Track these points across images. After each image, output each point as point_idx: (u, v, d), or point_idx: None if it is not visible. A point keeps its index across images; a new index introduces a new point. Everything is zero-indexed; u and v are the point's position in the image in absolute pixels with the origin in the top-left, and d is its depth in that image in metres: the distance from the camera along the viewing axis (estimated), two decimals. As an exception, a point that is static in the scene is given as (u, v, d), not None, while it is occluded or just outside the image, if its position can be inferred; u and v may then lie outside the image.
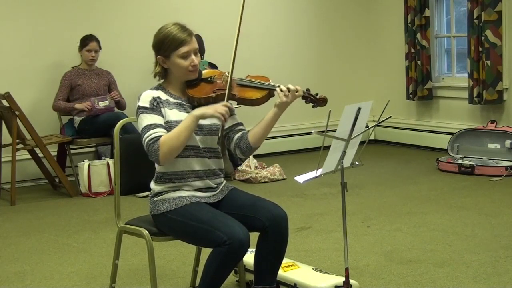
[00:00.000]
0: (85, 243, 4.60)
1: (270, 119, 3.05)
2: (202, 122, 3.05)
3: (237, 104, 3.13)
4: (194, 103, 3.07)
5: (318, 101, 3.06)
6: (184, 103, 3.07)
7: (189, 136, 2.93)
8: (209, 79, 3.10)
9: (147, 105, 2.99)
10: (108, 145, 6.44)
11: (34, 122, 6.05)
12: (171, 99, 3.05)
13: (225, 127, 3.09)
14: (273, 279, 3.07)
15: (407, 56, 7.51)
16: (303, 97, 3.05)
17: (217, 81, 3.09)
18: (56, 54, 6.66)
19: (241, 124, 3.15)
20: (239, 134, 3.10)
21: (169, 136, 2.90)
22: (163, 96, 3.04)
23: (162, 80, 3.12)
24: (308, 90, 3.07)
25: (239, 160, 6.46)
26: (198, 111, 2.93)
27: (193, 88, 3.07)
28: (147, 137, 2.92)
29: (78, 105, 6.24)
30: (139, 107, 2.99)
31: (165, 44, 2.99)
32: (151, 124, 2.94)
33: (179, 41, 2.98)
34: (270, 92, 3.07)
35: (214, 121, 3.07)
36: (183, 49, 2.99)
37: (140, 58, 6.87)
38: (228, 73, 3.08)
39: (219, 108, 2.92)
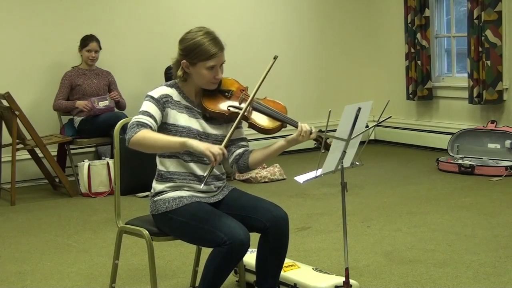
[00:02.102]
0: (85, 243, 4.60)
1: (275, 150, 3.04)
2: (210, 131, 3.03)
3: (248, 127, 3.08)
4: (206, 114, 3.03)
5: (327, 147, 2.93)
6: (195, 109, 3.04)
7: (165, 151, 2.96)
8: (226, 93, 3.05)
9: (156, 96, 2.98)
10: (108, 145, 6.44)
11: (34, 122, 6.05)
12: (183, 102, 3.03)
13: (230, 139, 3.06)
14: (275, 281, 3.07)
15: (407, 56, 7.51)
16: (315, 140, 3.01)
17: (234, 98, 3.04)
18: (56, 54, 6.66)
19: (245, 139, 3.14)
20: (240, 150, 3.09)
21: (151, 135, 2.87)
22: (176, 96, 3.03)
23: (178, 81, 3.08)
24: (321, 131, 2.99)
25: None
26: (192, 141, 2.83)
27: (208, 99, 3.02)
28: (137, 118, 2.92)
29: (78, 102, 6.24)
30: (148, 95, 2.99)
31: (196, 53, 2.95)
32: (147, 111, 2.94)
33: (210, 53, 2.94)
34: (283, 125, 3.04)
35: (221, 132, 3.06)
36: (211, 63, 2.95)
37: (140, 59, 6.89)
38: (247, 90, 3.04)
39: (213, 148, 2.80)
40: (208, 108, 3.01)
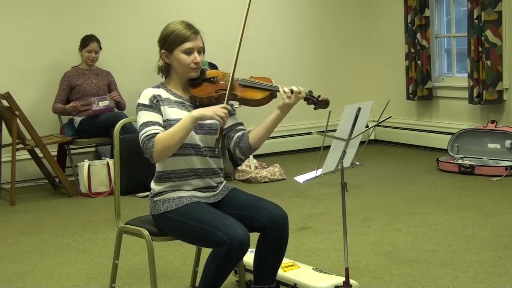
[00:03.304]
0: (85, 243, 4.60)
1: (272, 120, 3.04)
2: (203, 121, 3.06)
3: (239, 104, 3.13)
4: (196, 103, 3.08)
5: (320, 103, 3.04)
6: (186, 102, 3.08)
7: (185, 136, 2.93)
8: (212, 79, 3.11)
9: (147, 102, 3.00)
10: (108, 145, 6.44)
11: (34, 122, 6.05)
12: (172, 98, 3.06)
13: (225, 127, 3.10)
14: (273, 279, 3.07)
15: (407, 56, 7.51)
16: (305, 99, 3.04)
17: (220, 82, 3.10)
18: (56, 54, 6.66)
19: (242, 124, 3.15)
20: (239, 133, 3.10)
21: (165, 135, 2.91)
22: (164, 94, 3.05)
23: (164, 79, 3.13)
24: (310, 92, 3.05)
25: (239, 160, 6.47)
26: (197, 112, 2.93)
27: (195, 88, 3.09)
28: (143, 133, 2.93)
29: (67, 106, 6.24)
30: (139, 104, 3.01)
31: (170, 39, 3.02)
32: (148, 122, 2.96)
33: (184, 37, 3.01)
34: (272, 93, 3.07)
35: (215, 120, 3.08)
36: (187, 45, 3.01)
37: (140, 59, 6.88)
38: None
39: (218, 110, 2.91)
40: (197, 95, 3.06)
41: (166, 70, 3.10)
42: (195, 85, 3.10)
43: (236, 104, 3.15)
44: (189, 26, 3.06)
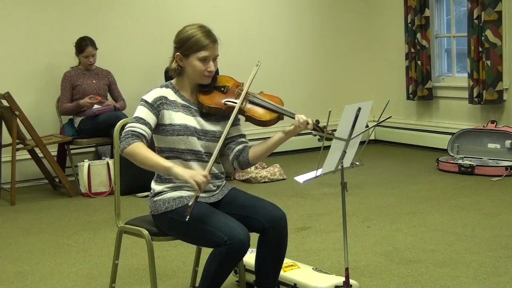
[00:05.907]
0: (85, 243, 4.60)
1: (274, 142, 3.05)
2: (207, 127, 3.04)
3: (245, 121, 3.09)
4: (203, 110, 3.04)
5: (324, 135, 2.92)
6: (192, 107, 3.05)
7: (150, 169, 2.90)
8: (222, 88, 3.07)
9: (150, 100, 2.99)
10: (108, 145, 6.44)
11: (34, 122, 6.05)
12: (179, 101, 3.04)
13: (228, 137, 3.07)
14: (275, 280, 3.07)
15: (407, 56, 7.51)
16: (313, 129, 3.00)
17: (230, 93, 3.06)
18: (56, 54, 6.66)
19: (244, 136, 3.14)
20: (240, 146, 3.10)
21: (142, 152, 2.86)
22: (171, 96, 3.04)
23: (174, 79, 3.10)
24: (317, 121, 2.99)
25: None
26: (177, 169, 2.82)
27: (205, 95, 3.04)
28: (132, 127, 2.93)
29: (82, 101, 6.22)
30: (142, 99, 3.01)
31: (188, 44, 2.98)
32: (141, 118, 2.95)
33: (203, 44, 2.97)
34: (280, 116, 3.03)
35: (219, 128, 3.06)
36: (204, 53, 2.98)
37: (140, 58, 6.89)
38: (243, 85, 3.06)
39: (196, 177, 2.79)
40: (205, 103, 3.02)
41: (178, 71, 3.06)
42: (205, 91, 3.05)
43: (243, 119, 3.10)
44: (208, 33, 3.00)
